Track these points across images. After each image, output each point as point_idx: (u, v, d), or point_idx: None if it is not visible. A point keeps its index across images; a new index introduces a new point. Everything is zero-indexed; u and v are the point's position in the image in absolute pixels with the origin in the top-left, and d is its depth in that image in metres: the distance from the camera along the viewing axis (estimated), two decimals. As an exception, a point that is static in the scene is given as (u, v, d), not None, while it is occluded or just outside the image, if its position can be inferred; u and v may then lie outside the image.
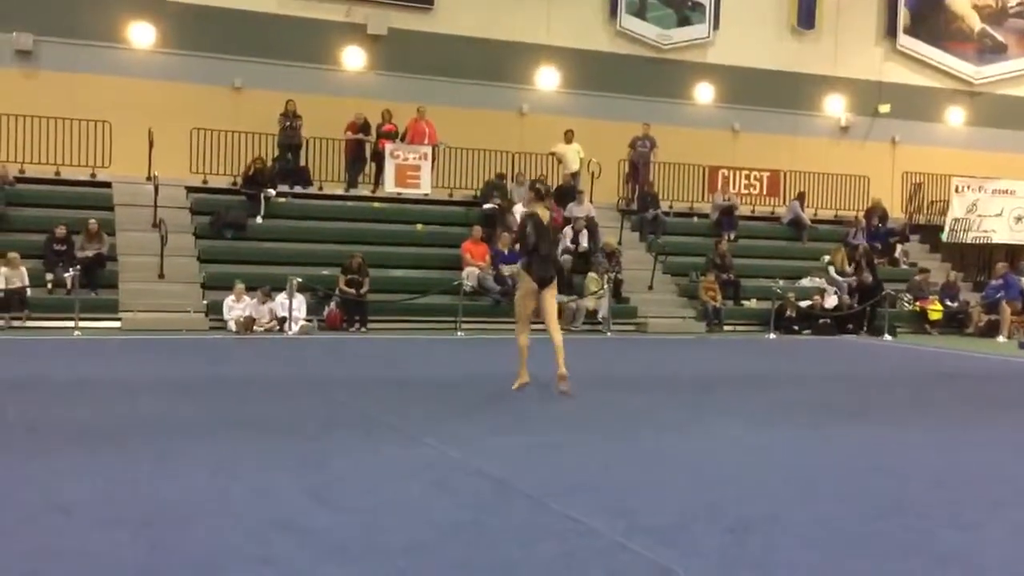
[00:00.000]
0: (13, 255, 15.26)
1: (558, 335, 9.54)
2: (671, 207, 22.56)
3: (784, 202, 23.62)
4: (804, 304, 19.69)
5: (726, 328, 19.19)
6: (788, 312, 19.33)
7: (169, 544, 4.50)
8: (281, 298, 16.13)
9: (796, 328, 19.23)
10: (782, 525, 5.15)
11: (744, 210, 23.01)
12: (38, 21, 18.94)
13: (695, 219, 22.73)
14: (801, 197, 23.05)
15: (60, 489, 5.41)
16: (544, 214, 9.55)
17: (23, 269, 15.31)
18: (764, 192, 23.90)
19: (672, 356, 14.72)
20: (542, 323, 9.79)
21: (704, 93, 24.09)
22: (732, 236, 21.76)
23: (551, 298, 9.59)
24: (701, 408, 9.34)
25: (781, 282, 20.51)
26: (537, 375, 9.67)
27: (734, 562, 4.50)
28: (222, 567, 4.20)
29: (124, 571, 4.11)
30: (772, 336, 18.43)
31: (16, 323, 14.96)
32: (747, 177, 23.79)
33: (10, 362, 11.38)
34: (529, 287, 9.47)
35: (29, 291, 15.34)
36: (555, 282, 9.63)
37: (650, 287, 19.78)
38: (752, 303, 20.07)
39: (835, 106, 25.30)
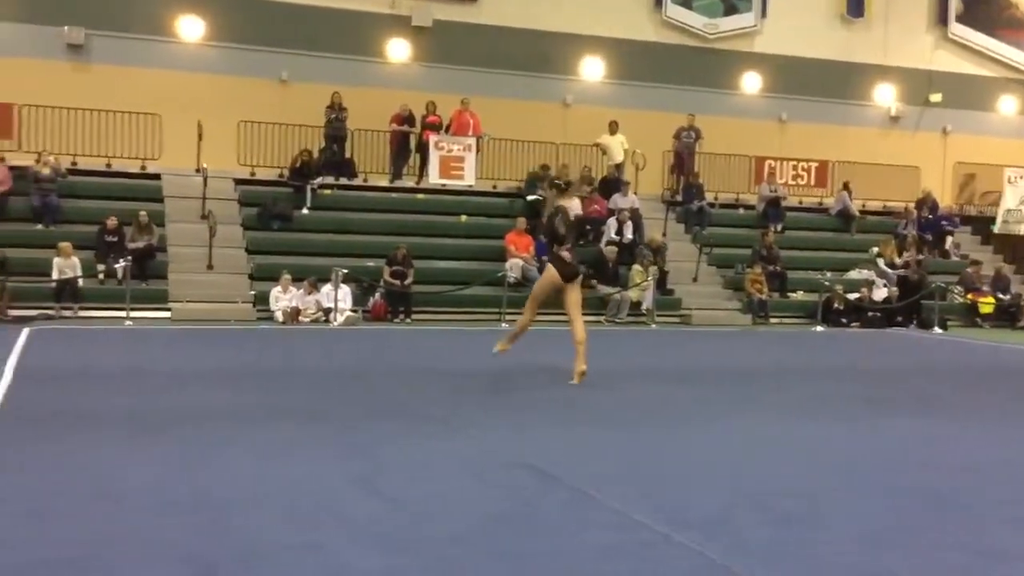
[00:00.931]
0: (65, 245, 15.54)
1: (583, 331, 9.62)
2: (716, 198, 22.36)
3: (832, 193, 23.32)
4: (852, 296, 19.43)
5: (772, 321, 19.01)
6: (836, 304, 19.10)
7: (218, 530, 4.58)
8: (327, 289, 16.27)
9: (844, 321, 18.99)
10: (827, 518, 5.11)
11: (791, 201, 22.74)
12: (89, 15, 19.24)
13: (741, 210, 22.52)
14: (847, 187, 22.74)
15: (111, 476, 5.52)
16: (574, 204, 9.56)
17: (76, 259, 15.59)
18: (812, 183, 23.60)
19: (717, 348, 14.62)
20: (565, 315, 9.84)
21: (751, 83, 23.83)
22: (779, 227, 21.52)
23: (576, 292, 9.66)
24: (745, 400, 9.28)
25: (829, 274, 20.24)
26: (562, 367, 9.65)
27: (780, 555, 4.48)
28: (270, 554, 4.26)
29: (175, 557, 4.18)
30: (819, 329, 18.22)
31: (68, 313, 15.25)
32: (794, 168, 23.51)
33: (63, 351, 11.61)
34: (554, 279, 9.56)
35: (81, 281, 15.62)
36: (580, 277, 9.73)
37: (695, 279, 19.64)
38: (799, 295, 19.86)
39: (885, 95, 24.89)
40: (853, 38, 24.50)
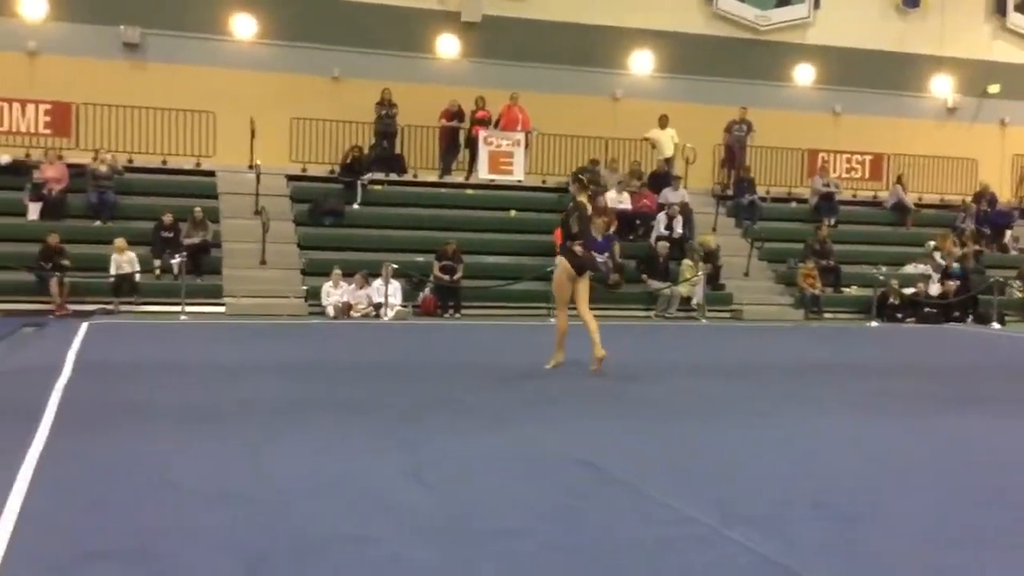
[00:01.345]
0: (121, 241, 15.82)
1: (592, 320, 9.96)
2: (768, 192, 22.14)
3: (887, 186, 22.96)
4: (908, 291, 19.10)
5: (825, 316, 18.77)
6: (891, 299, 18.80)
7: (272, 522, 4.62)
8: (377, 284, 16.40)
9: (899, 316, 18.69)
10: (884, 516, 5.02)
11: (845, 194, 22.45)
12: (145, 15, 19.58)
13: (793, 204, 22.26)
14: (901, 180, 22.34)
15: (168, 467, 5.61)
16: (588, 204, 9.91)
17: (133, 255, 15.86)
18: (866, 176, 23.26)
19: (768, 344, 14.46)
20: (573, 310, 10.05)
21: (804, 74, 23.53)
22: (832, 221, 21.25)
23: (584, 284, 9.98)
24: (798, 396, 9.16)
25: (884, 268, 19.95)
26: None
27: (836, 553, 4.41)
28: (324, 545, 4.30)
29: (230, 548, 4.24)
30: (874, 324, 17.94)
31: (126, 307, 15.54)
32: (848, 161, 23.19)
33: (120, 345, 11.83)
34: (568, 272, 9.79)
35: (138, 276, 15.90)
36: (588, 271, 10.03)
37: (746, 274, 19.46)
38: (853, 290, 19.58)
39: (941, 87, 24.42)
40: (908, 28, 24.08)
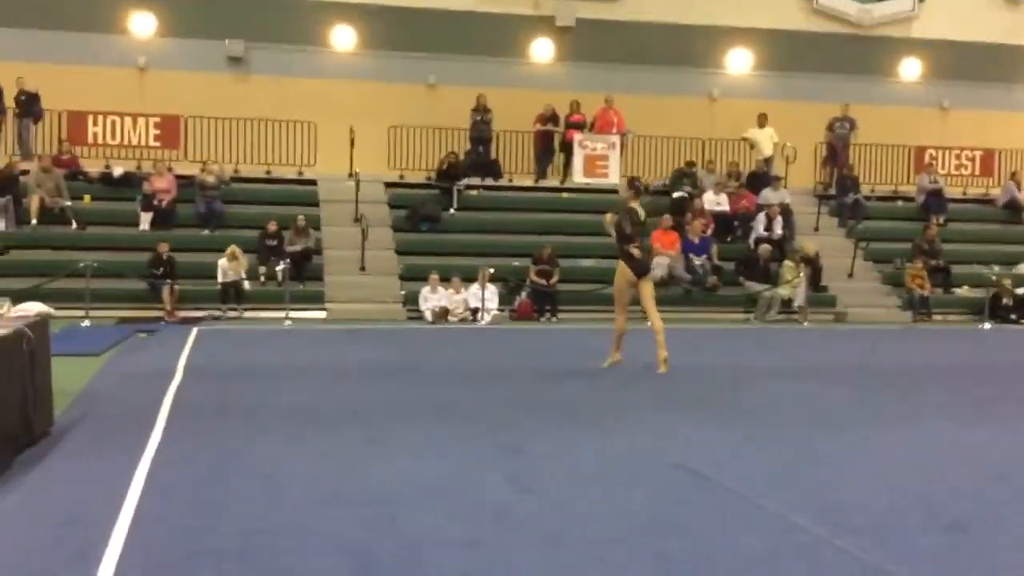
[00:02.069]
0: (230, 249, 16.24)
1: (659, 320, 10.23)
2: (873, 191, 21.53)
3: (999, 183, 22.06)
4: (1022, 291, 18.32)
5: (935, 318, 18.15)
6: (1004, 300, 18.06)
7: (378, 523, 4.69)
8: (474, 289, 16.51)
9: (1013, 317, 17.94)
10: (999, 526, 4.83)
11: (954, 192, 21.67)
12: (249, 29, 20.14)
13: (899, 203, 21.58)
14: (1015, 177, 21.45)
15: (275, 469, 5.75)
16: (640, 210, 10.22)
17: (243, 260, 16.28)
18: (976, 172, 22.41)
19: (875, 347, 14.04)
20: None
21: (909, 69, 22.81)
22: (941, 220, 20.53)
23: (649, 286, 10.37)
24: (907, 402, 8.87)
25: (996, 268, 19.18)
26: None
27: (951, 563, 4.25)
28: (430, 547, 4.34)
29: (335, 549, 4.31)
30: (986, 326, 17.26)
31: (233, 313, 16.00)
32: (957, 157, 22.39)
33: (228, 350, 12.16)
34: (628, 276, 10.14)
35: (246, 284, 16.34)
36: (651, 272, 10.48)
37: (850, 275, 18.95)
38: (964, 291, 18.88)
39: (1056, 78, 23.37)
40: (1019, 20, 23.13)
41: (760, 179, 20.32)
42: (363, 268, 17.29)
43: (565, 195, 20.05)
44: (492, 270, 16.64)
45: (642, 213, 10.31)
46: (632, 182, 10.75)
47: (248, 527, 4.62)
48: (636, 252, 10.07)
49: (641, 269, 10.18)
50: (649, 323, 10.44)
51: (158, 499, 5.04)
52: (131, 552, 4.20)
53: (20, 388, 6.20)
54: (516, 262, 17.50)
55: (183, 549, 4.27)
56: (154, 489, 5.23)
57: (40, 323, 7.01)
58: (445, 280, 16.58)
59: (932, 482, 5.78)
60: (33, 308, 7.42)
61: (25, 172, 17.36)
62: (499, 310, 16.68)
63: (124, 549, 4.23)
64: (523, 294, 17.03)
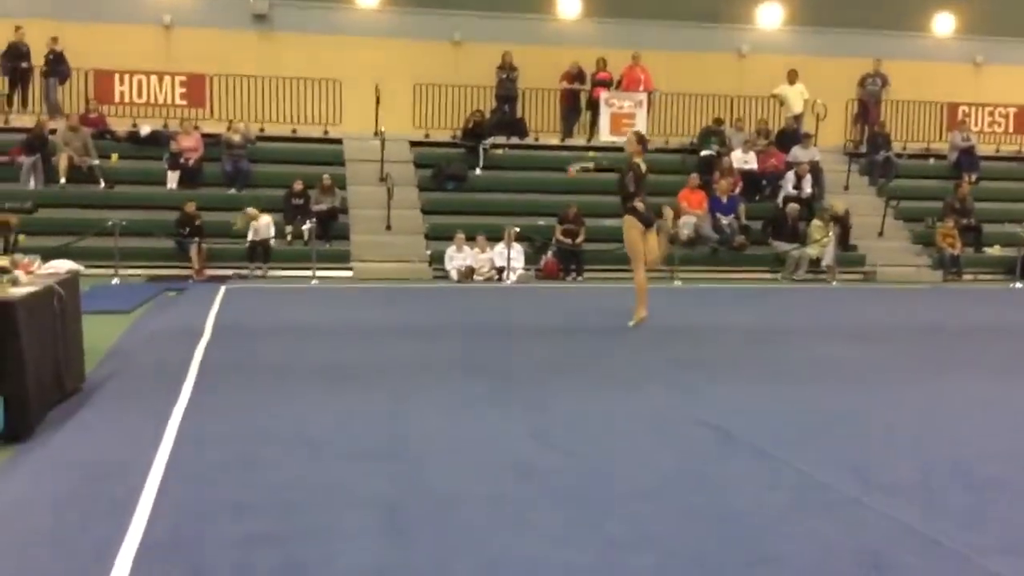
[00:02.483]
0: (252, 209, 16.24)
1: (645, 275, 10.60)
2: (904, 148, 21.21)
3: (1033, 140, 21.69)
4: (1056, 251, 18.06)
5: (966, 277, 17.94)
6: (1036, 259, 17.80)
7: (408, 478, 4.74)
8: (499, 248, 16.49)
9: (1046, 277, 17.70)
10: (1033, 486, 4.79)
11: (987, 149, 21.31)
12: (273, -15, 20.05)
13: (931, 160, 21.27)
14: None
15: (306, 425, 5.80)
16: (643, 165, 10.43)
17: (269, 219, 16.31)
18: (1010, 129, 22.02)
19: (904, 306, 13.92)
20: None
21: (942, 24, 22.36)
22: (973, 178, 20.21)
23: (654, 238, 10.57)
24: (936, 361, 8.81)
25: (1029, 227, 18.89)
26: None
27: (983, 521, 4.23)
28: (458, 503, 4.37)
29: (368, 502, 4.36)
30: (1018, 286, 17.05)
31: (259, 272, 16.09)
32: (991, 114, 21.99)
33: (256, 308, 12.20)
34: (639, 228, 10.33)
35: (273, 242, 16.40)
36: (655, 224, 10.61)
37: (880, 233, 18.74)
38: (995, 250, 18.63)
39: (1095, 32, 22.83)
40: (1057, -28, 22.56)
41: (790, 137, 20.07)
42: (389, 227, 17.30)
43: (591, 153, 19.88)
44: (518, 229, 16.60)
45: (644, 168, 10.50)
46: (640, 137, 10.87)
47: (278, 481, 4.68)
48: (640, 205, 10.27)
49: (647, 220, 10.39)
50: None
51: (189, 453, 5.11)
52: (163, 504, 4.26)
53: (51, 344, 6.28)
54: (542, 221, 17.44)
55: (215, 502, 4.33)
56: (185, 443, 5.30)
57: (70, 280, 7.07)
58: (471, 239, 16.56)
59: (963, 440, 5.75)
60: (63, 266, 7.47)
61: (53, 131, 17.46)
62: (525, 269, 16.66)
63: (156, 502, 4.30)
64: (549, 253, 16.99)
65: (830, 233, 17.49)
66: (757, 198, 19.11)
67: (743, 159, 19.28)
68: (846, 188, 19.76)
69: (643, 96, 19.97)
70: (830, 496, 4.56)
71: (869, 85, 20.74)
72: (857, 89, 20.91)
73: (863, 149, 20.71)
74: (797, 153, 19.44)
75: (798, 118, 20.35)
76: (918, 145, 21.54)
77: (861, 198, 19.50)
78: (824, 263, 17.52)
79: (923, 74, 21.38)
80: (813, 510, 4.35)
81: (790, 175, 18.93)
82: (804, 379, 7.68)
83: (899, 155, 20.64)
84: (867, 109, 20.87)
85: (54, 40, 18.07)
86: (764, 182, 19.28)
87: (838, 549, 3.89)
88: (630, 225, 10.35)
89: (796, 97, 20.32)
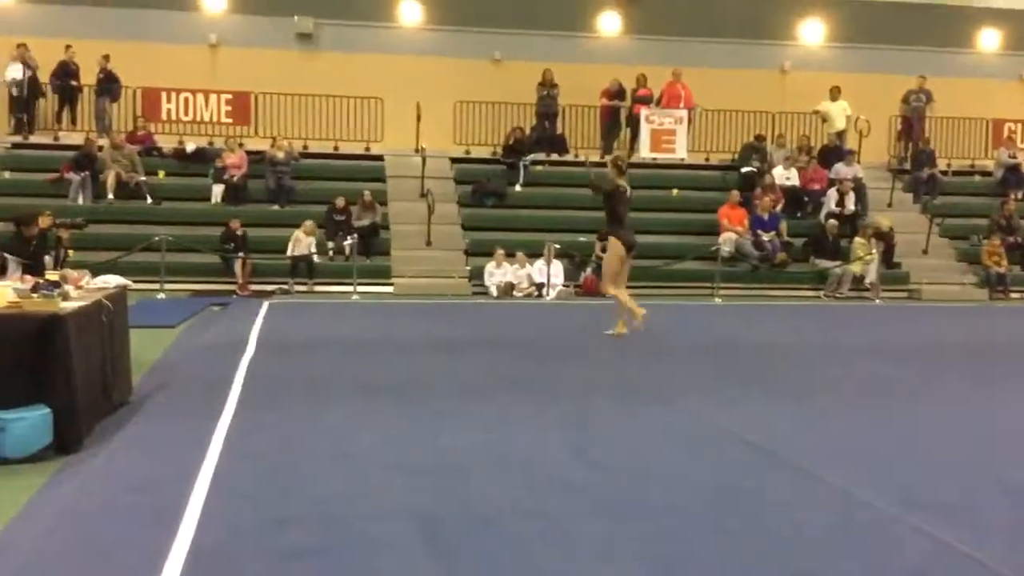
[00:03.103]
0: (309, 224, 16.43)
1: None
2: (949, 165, 20.98)
3: (1083, 157, 21.30)
4: (1106, 269, 17.75)
5: (1013, 296, 17.67)
6: (1086, 278, 17.50)
7: (448, 492, 4.77)
8: (539, 264, 16.53)
9: (1096, 296, 17.39)
10: (1082, 508, 4.71)
11: (1034, 166, 20.98)
12: (318, 5, 20.32)
13: (977, 178, 21.01)
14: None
15: (347, 438, 5.86)
16: (626, 187, 10.77)
17: (313, 239, 16.50)
18: (1059, 146, 21.67)
19: (949, 325, 13.74)
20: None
21: (988, 40, 22.11)
22: (1020, 195, 19.93)
23: (628, 263, 11.14)
24: (982, 380, 8.68)
25: (1078, 245, 18.57)
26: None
27: (1026, 544, 4.17)
28: (498, 517, 4.39)
29: (407, 516, 4.39)
30: (1067, 304, 16.78)
31: (302, 287, 16.26)
32: (1037, 130, 21.67)
33: (299, 323, 12.38)
34: (620, 251, 10.78)
35: (316, 258, 16.58)
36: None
37: (924, 251, 18.54)
38: (1042, 268, 18.34)
39: None
40: (1106, -13, 22.24)
41: (832, 153, 19.94)
42: (429, 243, 17.42)
43: (631, 170, 19.88)
44: (558, 245, 16.64)
45: (629, 191, 10.87)
46: (616, 160, 11.23)
47: (322, 494, 4.73)
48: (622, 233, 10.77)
49: (630, 244, 10.86)
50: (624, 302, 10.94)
51: (234, 466, 5.18)
52: (209, 517, 4.33)
53: (100, 358, 6.41)
54: (582, 237, 17.46)
55: (260, 514, 4.39)
56: (230, 456, 5.37)
57: (119, 295, 7.22)
58: (510, 255, 16.63)
59: (1009, 460, 5.66)
60: (112, 280, 7.63)
61: (101, 148, 17.82)
62: (564, 285, 16.68)
63: (202, 514, 4.37)
64: (588, 269, 16.99)
65: (873, 250, 17.32)
66: (799, 215, 18.98)
67: (785, 175, 19.18)
68: (890, 205, 19.57)
69: (684, 113, 19.95)
70: (873, 515, 4.52)
71: (913, 101, 20.55)
72: (901, 106, 20.73)
73: (907, 166, 20.51)
74: (840, 170, 19.30)
75: (841, 135, 20.22)
76: (963, 162, 21.29)
77: (905, 215, 19.30)
78: (867, 281, 17.35)
79: (968, 90, 21.13)
80: (856, 529, 4.32)
81: (832, 192, 18.79)
82: (845, 397, 7.61)
83: (944, 172, 20.43)
84: (911, 126, 20.68)
85: (105, 59, 18.49)
86: (806, 199, 19.15)
87: (881, 569, 3.86)
88: (615, 248, 10.82)
89: (839, 113, 20.18)
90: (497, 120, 20.23)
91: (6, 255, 8.07)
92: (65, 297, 6.27)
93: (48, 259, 12.37)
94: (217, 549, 3.95)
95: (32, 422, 5.48)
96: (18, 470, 5.30)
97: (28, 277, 7.09)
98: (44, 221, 8.19)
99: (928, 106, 20.58)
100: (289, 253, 16.23)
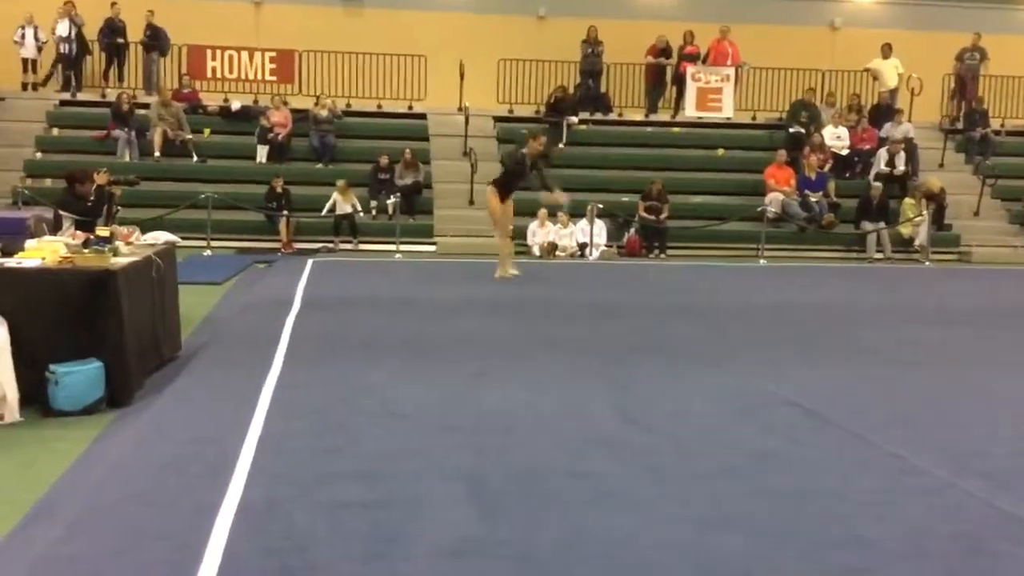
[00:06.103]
0: (342, 183, 16.53)
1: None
2: (1003, 125, 20.47)
3: None
4: None
5: (1066, 258, 17.29)
6: None
7: (494, 451, 4.79)
8: (582, 224, 16.44)
9: None
10: None
11: (1093, 126, 20.43)
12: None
13: (1031, 138, 20.48)
14: None
15: (394, 397, 5.90)
16: (840, 132, 10.90)
17: (353, 196, 16.57)
18: (1119, 105, 21.05)
19: (1001, 288, 13.47)
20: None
21: (1047, -5, 21.44)
22: (1076, 156, 19.41)
23: (510, 207, 12.84)
24: (1037, 345, 8.51)
25: None
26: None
27: (1083, 512, 4.10)
28: (543, 476, 4.41)
29: (453, 473, 4.42)
30: (1123, 269, 16.36)
31: (346, 246, 16.33)
32: (1096, 89, 21.05)
33: (343, 281, 12.44)
34: (497, 200, 12.47)
35: (359, 216, 16.64)
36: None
37: (976, 213, 18.16)
38: (1098, 231, 17.89)
39: None
40: None
41: (883, 112, 19.53)
42: (471, 202, 17.39)
43: (676, 129, 19.67)
44: (601, 206, 16.52)
45: (529, 169, 12.47)
46: (539, 138, 12.84)
47: (368, 451, 4.77)
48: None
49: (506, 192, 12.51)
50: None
51: (282, 421, 5.24)
52: (259, 471, 4.39)
53: (150, 313, 6.49)
54: (625, 197, 17.32)
55: (309, 470, 4.44)
56: (278, 412, 5.43)
57: (168, 251, 7.30)
58: (553, 215, 16.54)
59: (1062, 428, 5.56)
60: (161, 237, 7.71)
61: (146, 106, 17.95)
62: (607, 246, 16.59)
63: (252, 468, 4.43)
64: (632, 230, 16.88)
65: (923, 212, 17.01)
66: (848, 175, 18.66)
67: (834, 135, 18.83)
68: (941, 165, 19.17)
69: (731, 70, 19.63)
70: (923, 480, 4.47)
71: (967, 59, 20.03)
72: (954, 64, 20.21)
73: (959, 126, 20.05)
74: (890, 129, 18.91)
75: (892, 93, 19.78)
76: (1017, 122, 20.75)
77: (957, 176, 18.90)
78: (917, 243, 17.05)
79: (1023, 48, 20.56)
80: (906, 493, 4.27)
81: (882, 152, 18.43)
82: (894, 360, 7.51)
83: (997, 132, 19.94)
84: (964, 84, 20.17)
85: (151, 13, 18.56)
86: (856, 159, 18.82)
87: (932, 533, 3.82)
88: (494, 196, 12.46)
89: (890, 72, 19.73)
90: (541, 78, 20.03)
91: (60, 212, 8.17)
92: (116, 252, 6.35)
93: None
94: (267, 501, 4.01)
95: (84, 375, 5.59)
96: (71, 422, 5.41)
97: (79, 233, 7.19)
98: (101, 178, 8.23)
99: (982, 64, 20.05)
100: (325, 211, 16.27)
